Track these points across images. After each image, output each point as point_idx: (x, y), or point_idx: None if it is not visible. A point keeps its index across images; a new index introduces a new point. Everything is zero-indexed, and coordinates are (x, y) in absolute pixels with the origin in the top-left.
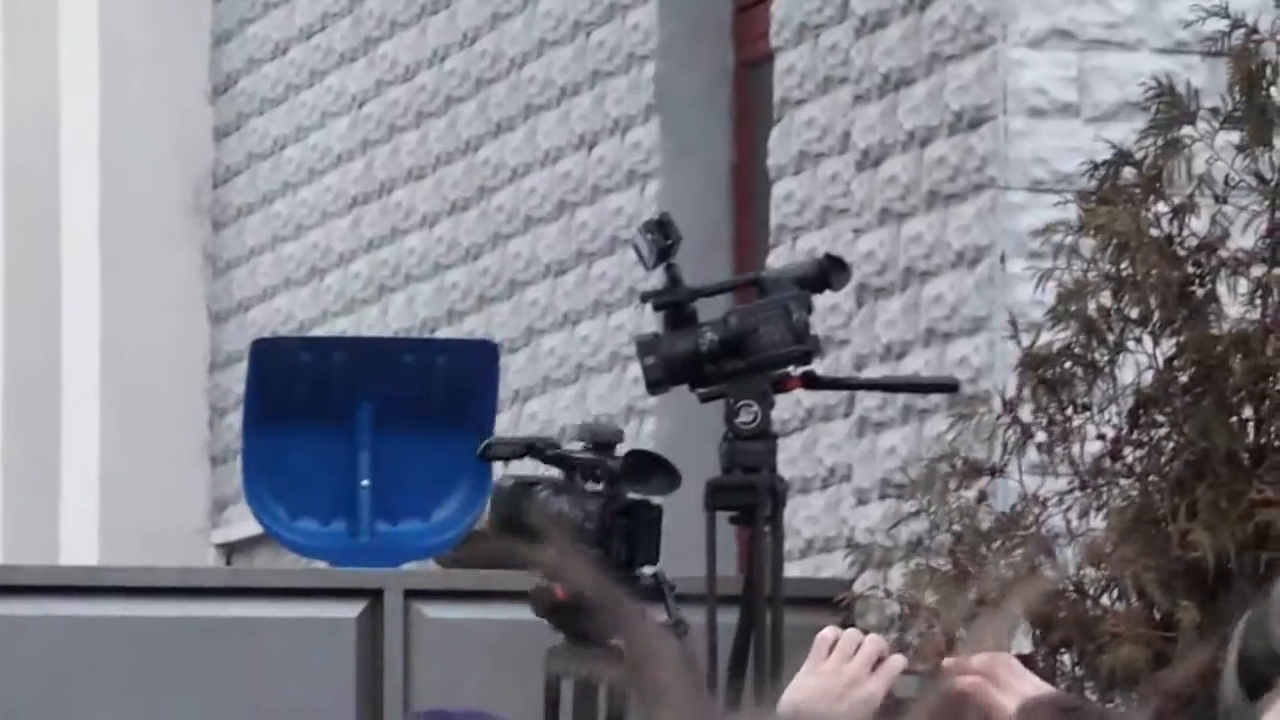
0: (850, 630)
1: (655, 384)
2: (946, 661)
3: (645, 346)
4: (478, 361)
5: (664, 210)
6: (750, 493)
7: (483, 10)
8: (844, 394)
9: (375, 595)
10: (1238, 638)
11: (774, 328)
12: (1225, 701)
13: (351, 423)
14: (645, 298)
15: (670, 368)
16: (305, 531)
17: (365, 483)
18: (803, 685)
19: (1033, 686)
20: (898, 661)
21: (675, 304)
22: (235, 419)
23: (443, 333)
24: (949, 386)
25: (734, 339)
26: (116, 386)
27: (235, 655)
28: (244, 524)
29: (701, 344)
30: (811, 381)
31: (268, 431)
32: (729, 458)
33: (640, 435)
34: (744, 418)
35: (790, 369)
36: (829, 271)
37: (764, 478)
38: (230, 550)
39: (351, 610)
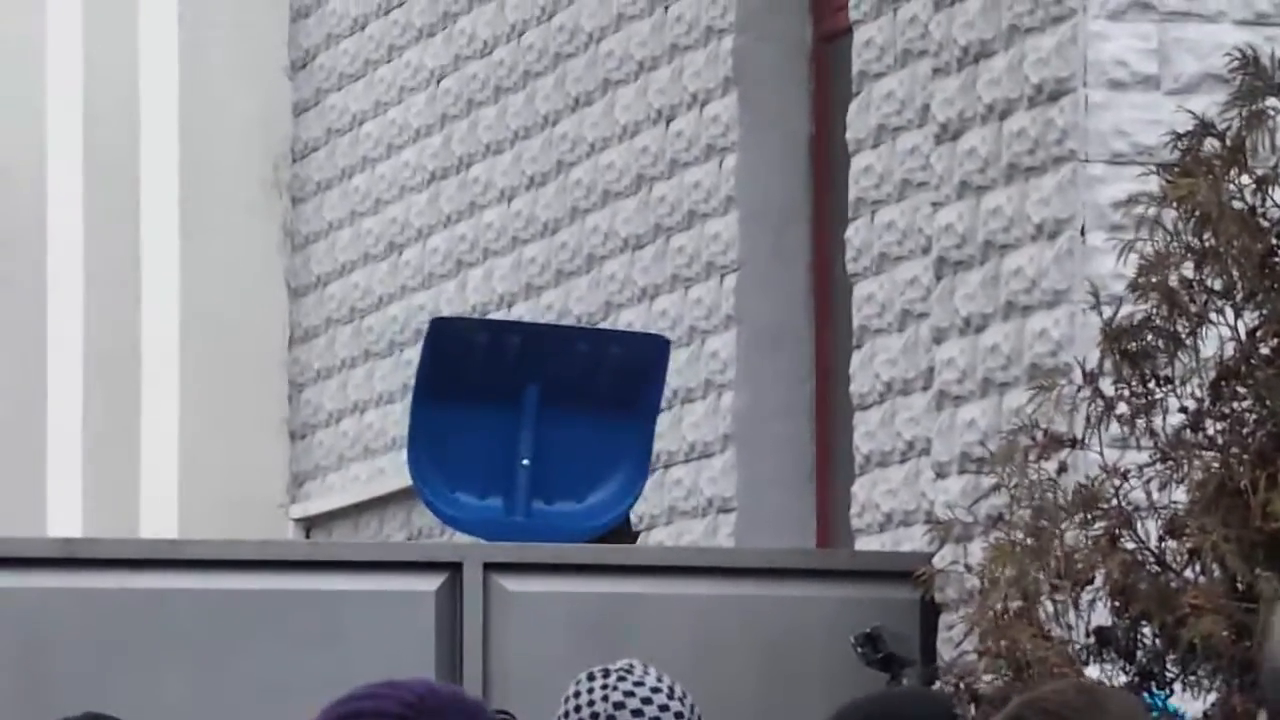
0: None
1: None
2: None
3: None
4: (649, 354)
5: (874, 625)
6: None
7: None
8: (922, 367)
9: (455, 568)
10: None
11: None
12: (1274, 661)
13: (519, 404)
14: None
15: None
16: (461, 505)
17: (525, 462)
18: None
19: None
20: None
21: None
22: (313, 393)
23: (520, 307)
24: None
25: None
26: (196, 360)
27: (314, 629)
28: (323, 499)
29: None
30: None
31: (436, 406)
32: None
33: (719, 408)
34: None
35: None
36: None
37: None
38: (309, 525)
39: (431, 583)
